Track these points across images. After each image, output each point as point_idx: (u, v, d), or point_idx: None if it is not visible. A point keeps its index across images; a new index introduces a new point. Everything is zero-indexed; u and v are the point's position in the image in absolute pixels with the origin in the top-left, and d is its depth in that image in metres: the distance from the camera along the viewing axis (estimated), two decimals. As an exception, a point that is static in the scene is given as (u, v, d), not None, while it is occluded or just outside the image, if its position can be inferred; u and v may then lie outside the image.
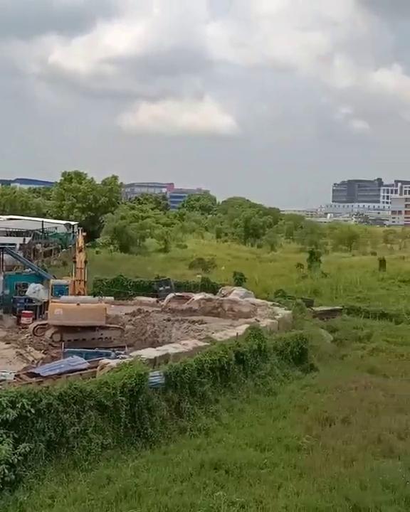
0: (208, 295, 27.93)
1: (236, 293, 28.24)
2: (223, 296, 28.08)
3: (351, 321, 27.78)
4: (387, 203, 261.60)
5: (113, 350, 19.13)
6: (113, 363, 15.14)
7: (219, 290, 30.14)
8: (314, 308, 29.50)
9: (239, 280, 34.87)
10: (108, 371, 14.48)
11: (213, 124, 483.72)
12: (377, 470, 12.01)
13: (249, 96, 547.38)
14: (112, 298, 28.64)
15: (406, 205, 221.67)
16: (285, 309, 25.14)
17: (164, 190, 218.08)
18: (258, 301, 26.89)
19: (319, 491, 11.12)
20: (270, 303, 26.32)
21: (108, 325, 22.65)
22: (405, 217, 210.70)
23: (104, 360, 15.81)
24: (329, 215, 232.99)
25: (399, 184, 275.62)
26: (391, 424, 14.76)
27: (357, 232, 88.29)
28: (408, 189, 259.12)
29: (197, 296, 27.29)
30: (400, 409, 16.08)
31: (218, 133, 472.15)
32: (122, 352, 18.47)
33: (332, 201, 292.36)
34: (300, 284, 38.40)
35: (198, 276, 37.81)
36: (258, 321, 21.76)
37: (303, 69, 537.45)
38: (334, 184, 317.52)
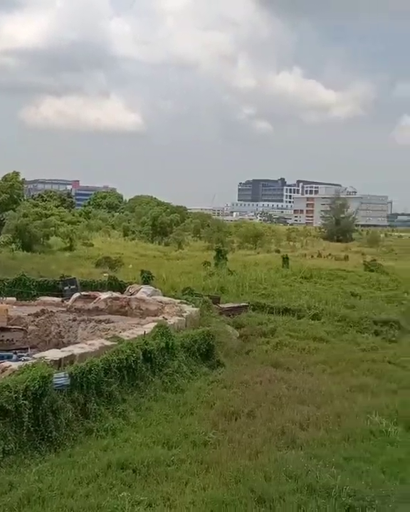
0: (115, 294, 27.59)
1: (144, 291, 28.09)
2: (131, 295, 27.85)
3: (257, 317, 28.39)
4: (290, 202, 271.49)
5: (15, 353, 18.52)
6: (15, 365, 14.57)
7: (126, 288, 29.85)
8: (220, 305, 29.89)
9: (147, 278, 34.71)
10: (10, 374, 13.93)
11: (118, 121, 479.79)
12: (281, 461, 12.35)
13: (154, 93, 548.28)
14: (14, 298, 27.59)
15: (307, 205, 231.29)
16: (193, 307, 25.32)
17: (69, 187, 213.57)
18: (166, 299, 26.91)
19: (225, 484, 11.30)
20: (177, 301, 26.39)
21: (9, 326, 21.86)
22: (306, 216, 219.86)
23: (6, 363, 15.17)
24: (234, 213, 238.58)
25: (301, 184, 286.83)
26: (293, 415, 15.24)
27: (262, 230, 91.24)
28: (309, 189, 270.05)
29: (104, 295, 26.88)
30: (302, 400, 16.64)
31: (123, 130, 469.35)
32: (25, 354, 17.91)
33: (238, 200, 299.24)
34: (207, 282, 38.81)
35: (104, 274, 37.28)
36: (166, 318, 21.76)
37: (206, 68, 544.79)
38: (240, 183, 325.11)
